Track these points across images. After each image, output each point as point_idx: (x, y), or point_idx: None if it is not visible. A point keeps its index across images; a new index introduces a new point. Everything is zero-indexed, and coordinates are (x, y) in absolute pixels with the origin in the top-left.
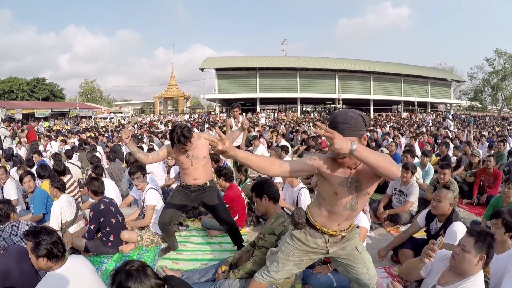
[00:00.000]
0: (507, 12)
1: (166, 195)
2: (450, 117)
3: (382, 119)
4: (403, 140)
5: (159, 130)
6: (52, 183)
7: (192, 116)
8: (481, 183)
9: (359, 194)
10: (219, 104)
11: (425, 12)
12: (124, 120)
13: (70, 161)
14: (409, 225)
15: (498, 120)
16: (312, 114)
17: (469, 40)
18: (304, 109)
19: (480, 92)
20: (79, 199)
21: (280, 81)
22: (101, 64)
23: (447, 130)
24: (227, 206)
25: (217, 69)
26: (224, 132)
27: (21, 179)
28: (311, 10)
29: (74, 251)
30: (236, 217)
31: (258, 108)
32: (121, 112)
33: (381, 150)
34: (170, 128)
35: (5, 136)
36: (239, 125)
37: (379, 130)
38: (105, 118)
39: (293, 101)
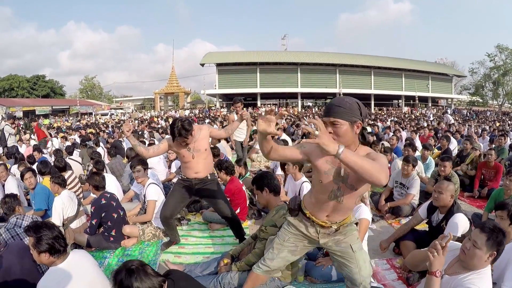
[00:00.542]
0: (508, 7)
1: (167, 190)
2: (449, 111)
3: (383, 113)
4: (404, 134)
5: (159, 126)
6: (53, 179)
7: (193, 111)
8: (482, 177)
9: (345, 187)
10: (219, 99)
11: (427, 7)
12: (124, 116)
13: (71, 157)
14: (410, 217)
15: (499, 115)
16: (313, 109)
17: (470, 35)
18: (305, 104)
19: (481, 87)
20: (81, 195)
21: (281, 76)
22: (101, 60)
23: (448, 125)
24: (228, 199)
25: (218, 64)
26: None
27: (22, 176)
28: (312, 5)
29: (76, 246)
30: (238, 210)
31: (259, 103)
32: (121, 108)
33: (382, 144)
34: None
35: (9, 133)
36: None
37: (380, 124)
38: (105, 114)
39: (294, 96)
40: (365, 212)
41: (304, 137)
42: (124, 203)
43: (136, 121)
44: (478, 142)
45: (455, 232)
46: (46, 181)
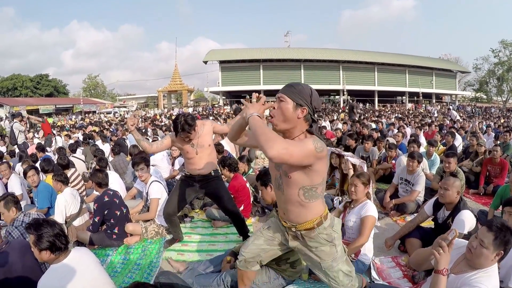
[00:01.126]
0: None
1: (171, 187)
2: (452, 107)
3: (387, 110)
4: (408, 130)
5: (163, 124)
6: (56, 177)
7: (196, 109)
8: (487, 173)
9: (282, 175)
10: (223, 97)
11: (430, 3)
12: (128, 114)
13: (74, 155)
14: (415, 214)
15: (503, 111)
16: None
17: (474, 31)
18: None
19: (485, 83)
20: (84, 193)
21: (284, 72)
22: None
23: (453, 121)
24: (232, 196)
25: (221, 62)
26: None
27: (25, 174)
28: (315, 2)
29: (79, 244)
30: (241, 208)
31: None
32: (125, 107)
33: (387, 140)
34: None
35: (19, 131)
36: None
37: (384, 121)
38: (109, 112)
39: None
40: (371, 209)
41: None
42: (127, 200)
43: (140, 118)
44: (483, 138)
45: (461, 229)
46: (49, 179)
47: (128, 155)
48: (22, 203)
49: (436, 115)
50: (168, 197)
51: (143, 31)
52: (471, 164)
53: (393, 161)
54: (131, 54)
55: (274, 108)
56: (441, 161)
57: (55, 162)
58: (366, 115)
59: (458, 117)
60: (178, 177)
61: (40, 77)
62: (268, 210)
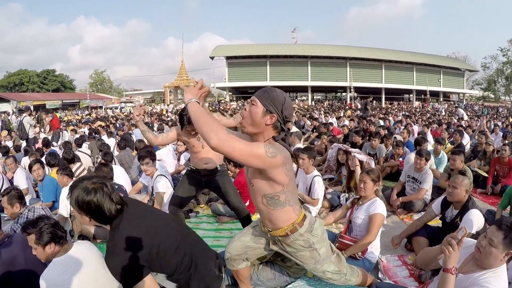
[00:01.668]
0: None
1: (176, 182)
2: (459, 105)
3: (394, 107)
4: (415, 128)
5: (169, 119)
6: (61, 171)
7: (203, 105)
8: (495, 173)
9: (248, 180)
10: (229, 93)
11: (438, 1)
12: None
13: (80, 149)
14: (422, 213)
15: (511, 111)
16: (325, 103)
17: (482, 29)
18: (315, 97)
19: (494, 82)
20: None
21: (291, 69)
22: (111, 54)
23: (460, 119)
24: (238, 191)
25: (227, 57)
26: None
27: (30, 168)
28: None
29: (83, 238)
30: (247, 203)
31: None
32: (131, 102)
33: (395, 137)
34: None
35: (30, 125)
36: None
37: (391, 119)
38: (115, 108)
39: (304, 89)
40: (380, 207)
41: (314, 130)
42: (132, 194)
43: (145, 110)
44: (491, 137)
45: (469, 228)
46: (54, 173)
47: (134, 150)
48: (28, 197)
49: (443, 113)
50: (174, 192)
51: (150, 26)
52: (480, 163)
53: (400, 159)
54: (138, 49)
55: (245, 110)
56: (449, 160)
57: (61, 156)
58: (373, 112)
59: (465, 116)
60: (183, 172)
61: (47, 73)
62: None
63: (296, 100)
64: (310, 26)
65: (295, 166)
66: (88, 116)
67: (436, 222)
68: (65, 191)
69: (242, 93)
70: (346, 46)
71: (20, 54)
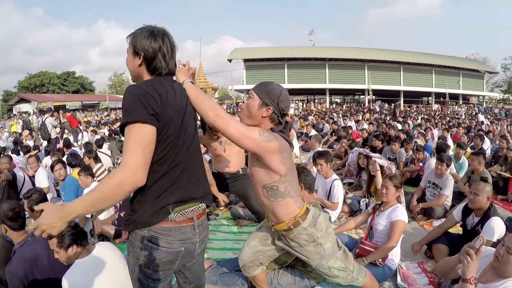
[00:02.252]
0: None
1: None
2: (479, 108)
3: (413, 111)
4: (435, 132)
5: None
6: (85, 172)
7: (221, 107)
8: None
9: (249, 172)
10: (247, 95)
11: (457, 1)
12: None
13: (100, 150)
14: (443, 219)
15: None
16: (343, 105)
17: (502, 29)
18: (333, 100)
19: None
20: None
21: (309, 71)
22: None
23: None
24: None
25: (245, 60)
26: None
27: (52, 168)
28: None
29: (103, 238)
30: None
31: None
32: None
33: (415, 142)
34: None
35: (52, 125)
36: None
37: (410, 122)
38: None
39: (322, 92)
40: (402, 213)
41: (333, 133)
42: None
43: None
44: None
45: (490, 236)
46: (75, 173)
47: None
48: (49, 196)
49: (463, 116)
50: None
51: (169, 29)
52: (500, 168)
53: (420, 164)
54: None
55: (243, 103)
56: (469, 165)
57: (82, 156)
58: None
59: (485, 121)
60: None
61: (67, 74)
62: None
63: (308, 103)
64: (327, 28)
65: (314, 170)
66: (107, 117)
67: (457, 229)
68: (86, 191)
69: None
70: (364, 48)
71: (41, 56)
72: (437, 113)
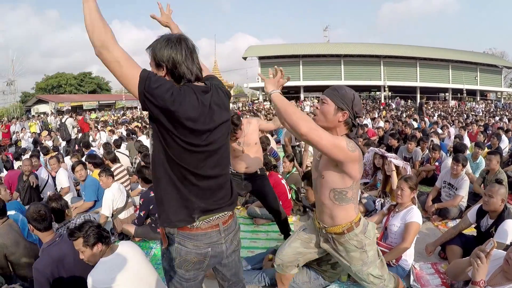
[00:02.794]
0: None
1: None
2: (500, 105)
3: (429, 107)
4: (452, 130)
5: None
6: (106, 173)
7: (236, 104)
8: None
9: (318, 176)
10: (262, 93)
11: None
12: None
13: (119, 150)
14: (457, 220)
15: None
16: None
17: None
18: None
19: None
20: (128, 187)
21: (324, 68)
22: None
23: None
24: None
25: (260, 58)
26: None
27: (73, 169)
28: None
29: (123, 236)
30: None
31: (302, 96)
32: None
33: (432, 141)
34: None
35: (72, 126)
36: None
37: (426, 120)
38: None
39: None
40: (416, 215)
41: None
42: None
43: None
44: None
45: (504, 239)
46: (95, 173)
47: None
48: (69, 195)
49: (480, 113)
50: None
51: (183, 28)
52: None
53: (436, 163)
54: None
55: (317, 108)
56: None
57: (101, 156)
58: (408, 112)
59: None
60: None
61: (83, 75)
62: (309, 209)
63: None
64: (342, 24)
65: None
66: (124, 117)
67: (471, 230)
68: (108, 192)
69: None
70: (379, 44)
71: (57, 58)
72: (453, 110)
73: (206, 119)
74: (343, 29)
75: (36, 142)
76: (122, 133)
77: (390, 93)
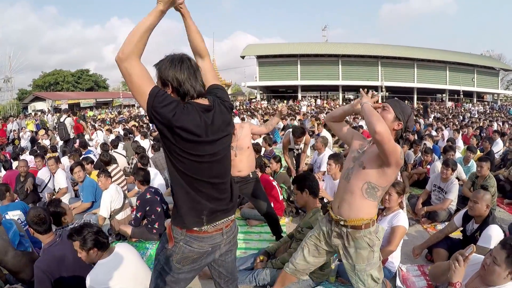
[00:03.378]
0: None
1: None
2: (496, 107)
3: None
4: (446, 133)
5: None
6: (104, 174)
7: (234, 103)
8: None
9: (357, 165)
10: (260, 92)
11: None
12: None
13: (116, 150)
14: (446, 223)
15: None
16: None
17: None
18: (346, 96)
19: None
20: (125, 188)
21: (322, 68)
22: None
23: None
24: (267, 198)
25: (258, 56)
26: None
27: (71, 170)
28: None
29: (120, 237)
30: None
31: (299, 95)
32: None
33: (424, 144)
34: None
35: (71, 126)
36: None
37: (421, 121)
38: None
39: (335, 88)
40: (403, 219)
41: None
42: (167, 196)
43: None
44: None
45: (487, 243)
46: (93, 175)
47: None
48: (67, 196)
49: (476, 115)
50: None
51: (181, 26)
52: (508, 172)
53: (428, 166)
54: (170, 48)
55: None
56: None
57: (98, 158)
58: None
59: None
60: None
61: (81, 72)
62: (302, 211)
63: (318, 101)
64: (340, 24)
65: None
66: (122, 116)
67: (457, 234)
68: (106, 194)
69: (273, 92)
70: (378, 45)
71: (55, 54)
72: (450, 111)
73: (209, 135)
74: (342, 29)
75: (33, 141)
76: (119, 132)
77: (387, 93)
